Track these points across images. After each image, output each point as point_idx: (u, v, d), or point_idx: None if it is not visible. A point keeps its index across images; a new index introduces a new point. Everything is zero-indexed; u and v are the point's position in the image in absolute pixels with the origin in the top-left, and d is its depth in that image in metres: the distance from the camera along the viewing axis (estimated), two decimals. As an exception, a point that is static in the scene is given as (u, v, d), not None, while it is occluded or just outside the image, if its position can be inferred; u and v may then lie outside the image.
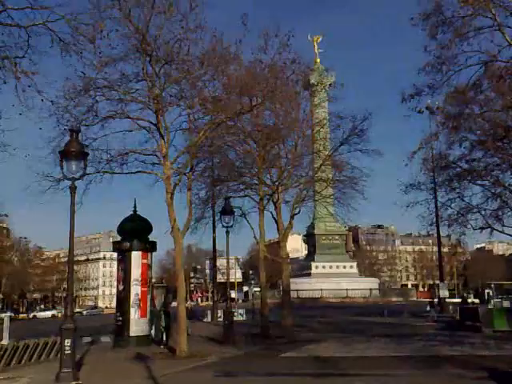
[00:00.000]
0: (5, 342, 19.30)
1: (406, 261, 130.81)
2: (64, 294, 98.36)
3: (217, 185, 23.94)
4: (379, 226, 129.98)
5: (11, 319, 25.22)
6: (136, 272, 19.43)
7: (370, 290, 66.93)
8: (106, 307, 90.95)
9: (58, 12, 10.45)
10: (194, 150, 16.93)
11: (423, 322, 28.21)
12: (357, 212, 27.28)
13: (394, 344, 17.81)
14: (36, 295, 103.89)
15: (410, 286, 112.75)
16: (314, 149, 26.59)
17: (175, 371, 12.76)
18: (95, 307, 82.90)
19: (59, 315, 64.56)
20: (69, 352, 11.45)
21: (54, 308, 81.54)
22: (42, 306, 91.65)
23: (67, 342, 11.44)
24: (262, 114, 21.47)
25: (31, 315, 68.63)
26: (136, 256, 19.56)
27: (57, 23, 10.59)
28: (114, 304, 73.27)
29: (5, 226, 69.17)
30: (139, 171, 16.97)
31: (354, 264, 74.76)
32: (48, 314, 68.39)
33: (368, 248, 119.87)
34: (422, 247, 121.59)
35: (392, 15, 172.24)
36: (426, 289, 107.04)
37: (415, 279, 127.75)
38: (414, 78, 19.39)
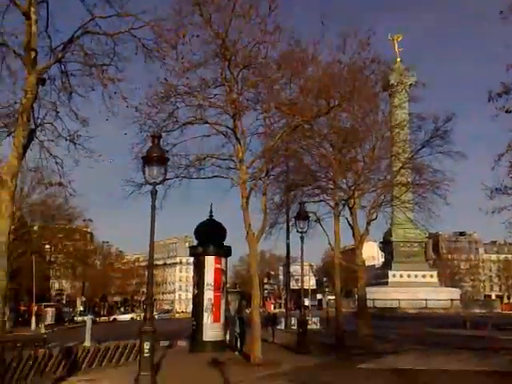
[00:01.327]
0: (87, 343, 20.07)
1: (490, 270, 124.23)
2: (143, 298, 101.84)
3: (291, 190, 23.63)
4: (461, 234, 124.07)
5: (93, 322, 26.18)
6: (209, 277, 19.58)
7: (451, 300, 63.93)
8: (182, 312, 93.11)
9: (143, 19, 10.67)
10: (270, 154, 16.82)
11: (509, 335, 26.38)
12: (438, 218, 25.95)
13: (477, 358, 16.68)
14: (116, 298, 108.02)
15: (493, 297, 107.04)
16: (393, 152, 25.68)
17: (250, 378, 12.65)
18: (167, 311, 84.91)
19: (138, 318, 66.74)
20: (148, 355, 11.53)
21: (132, 311, 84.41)
22: (122, 309, 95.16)
23: (146, 345, 11.54)
24: (339, 117, 20.99)
25: (111, 318, 71.39)
26: (209, 261, 19.72)
27: (141, 30, 10.81)
28: (189, 308, 74.90)
29: (89, 230, 72.47)
30: (216, 176, 17.18)
31: (434, 273, 71.73)
32: (127, 317, 70.89)
33: (449, 256, 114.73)
34: (508, 256, 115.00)
35: (470, 12, 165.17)
36: (511, 300, 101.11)
37: (500, 290, 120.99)
38: (502, 76, 18.21)
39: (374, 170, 24.18)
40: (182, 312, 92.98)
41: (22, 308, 59.89)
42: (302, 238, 19.29)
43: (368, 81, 20.13)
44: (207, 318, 19.20)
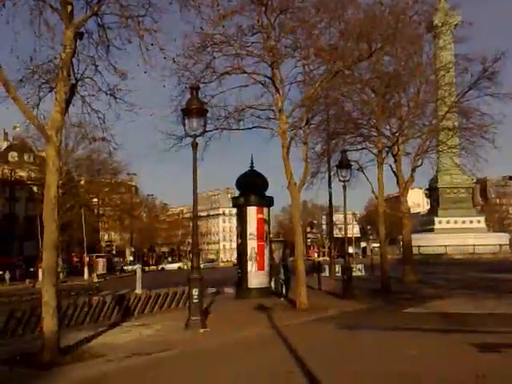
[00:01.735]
0: (138, 291, 20.90)
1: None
2: (188, 248, 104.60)
3: (333, 138, 23.30)
4: (511, 178, 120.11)
5: (142, 271, 27.16)
6: (252, 226, 19.91)
7: (500, 245, 62.76)
8: (227, 261, 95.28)
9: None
10: (310, 102, 16.49)
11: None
12: (486, 163, 25.16)
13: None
14: (163, 249, 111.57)
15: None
16: (438, 95, 24.73)
17: (296, 322, 12.87)
18: (212, 261, 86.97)
19: (184, 267, 68.91)
20: (197, 301, 11.98)
21: (179, 261, 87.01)
22: (170, 259, 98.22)
23: (195, 292, 11.96)
24: (381, 61, 20.28)
25: (160, 267, 73.89)
26: (251, 211, 20.01)
27: (176, -23, 10.49)
28: (234, 258, 76.42)
29: (133, 184, 74.21)
30: (255, 126, 17.08)
31: (482, 218, 70.18)
32: (174, 266, 73.28)
33: (498, 201, 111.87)
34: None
35: None
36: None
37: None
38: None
39: (419, 114, 23.44)
40: (227, 261, 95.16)
41: (75, 259, 62.71)
42: (344, 187, 19.14)
43: (411, 22, 19.28)
44: (251, 266, 19.68)
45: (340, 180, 19.23)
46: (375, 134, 22.52)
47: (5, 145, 70.19)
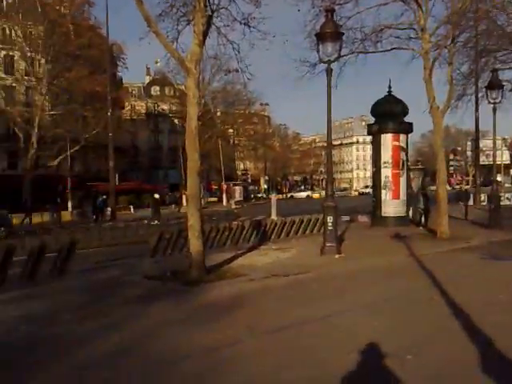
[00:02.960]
0: (274, 217, 21.56)
1: None
2: (321, 177, 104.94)
3: (482, 56, 21.06)
4: None
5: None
6: (386, 154, 19.28)
7: None
8: (355, 190, 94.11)
9: None
10: (457, 18, 14.98)
11: None
12: None
13: None
14: (296, 177, 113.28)
15: None
16: None
17: (436, 251, 12.41)
18: (344, 189, 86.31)
19: (313, 196, 69.76)
20: (331, 228, 12.01)
21: (312, 189, 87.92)
22: (302, 187, 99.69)
23: (329, 219, 11.97)
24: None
25: (289, 195, 75.28)
26: (386, 138, 19.31)
27: None
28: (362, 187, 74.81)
29: (266, 114, 75.16)
30: (394, 48, 16.05)
31: None
32: (303, 194, 74.15)
33: None
34: None
35: None
36: None
37: None
38: None
39: None
40: (355, 190, 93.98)
41: (214, 187, 66.30)
42: (494, 110, 17.49)
43: None
44: (385, 195, 19.24)
45: (489, 102, 17.58)
46: (533, 49, 19.96)
47: (147, 79, 74.56)
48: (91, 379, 4.56)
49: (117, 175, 40.57)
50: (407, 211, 19.54)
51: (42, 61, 40.18)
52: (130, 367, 4.82)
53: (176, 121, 63.94)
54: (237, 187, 55.71)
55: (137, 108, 69.93)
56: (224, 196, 52.44)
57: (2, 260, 8.69)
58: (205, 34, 9.74)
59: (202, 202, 12.33)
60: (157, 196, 32.41)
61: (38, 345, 5.70)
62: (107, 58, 35.54)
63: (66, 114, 40.19)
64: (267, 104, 68.21)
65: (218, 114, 58.71)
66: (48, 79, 39.39)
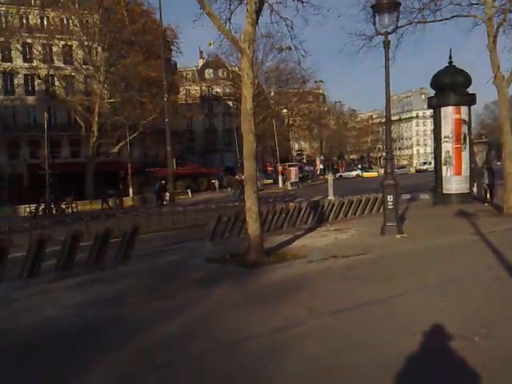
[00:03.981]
0: (331, 197, 21.32)
1: None
2: (378, 155, 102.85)
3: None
4: None
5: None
6: (446, 128, 18.61)
7: None
8: (420, 165, 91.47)
9: None
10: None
11: None
12: None
13: None
14: (353, 156, 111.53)
15: None
16: None
17: (503, 228, 11.93)
18: (402, 167, 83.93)
19: (363, 175, 68.30)
20: (391, 207, 11.75)
21: (369, 168, 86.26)
22: (360, 166, 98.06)
23: (390, 198, 11.71)
24: None
25: (337, 175, 73.75)
26: (447, 111, 18.66)
27: None
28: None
29: (321, 92, 74.04)
30: (455, 16, 15.38)
31: None
32: (353, 173, 72.35)
33: None
34: None
35: None
36: None
37: None
38: None
39: None
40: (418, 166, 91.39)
41: (269, 168, 66.28)
42: None
43: None
44: (446, 171, 18.62)
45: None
46: None
47: (201, 63, 75.04)
48: (157, 361, 4.67)
49: (174, 160, 41.32)
50: (471, 187, 18.82)
51: (99, 49, 41.26)
52: (195, 349, 4.89)
53: (230, 103, 64.20)
54: (292, 168, 55.43)
55: (191, 92, 70.69)
56: (280, 177, 52.35)
57: (69, 245, 9.05)
58: (258, 13, 9.63)
59: (258, 184, 12.39)
60: (238, 177, 33.20)
61: (105, 327, 5.90)
62: (161, 43, 36.02)
63: (124, 100, 41.21)
64: (322, 81, 67.11)
65: (272, 94, 58.38)
66: (105, 67, 40.42)
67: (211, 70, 69.59)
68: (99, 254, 9.66)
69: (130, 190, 40.25)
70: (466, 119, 18.78)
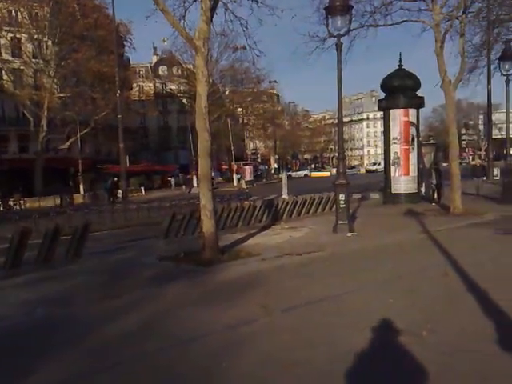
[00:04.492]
0: (285, 196, 21.53)
1: None
2: (331, 155, 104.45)
3: (494, 27, 20.70)
4: None
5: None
6: (395, 130, 19.06)
7: None
8: (369, 166, 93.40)
9: None
10: (468, -13, 14.66)
11: None
12: None
13: None
14: (307, 156, 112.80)
15: None
16: None
17: (449, 227, 12.35)
18: (353, 167, 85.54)
19: (311, 174, 69.58)
20: (343, 206, 11.97)
21: (322, 168, 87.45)
22: (313, 166, 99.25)
23: (341, 197, 11.93)
24: None
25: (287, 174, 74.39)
26: (395, 114, 19.06)
27: None
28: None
29: (275, 92, 74.49)
30: (405, 20, 15.86)
31: None
32: (301, 173, 73.44)
33: None
34: None
35: None
36: None
37: None
38: None
39: None
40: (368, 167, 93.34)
41: (224, 167, 66.23)
42: (507, 82, 17.27)
43: None
44: (395, 172, 19.07)
45: (502, 74, 17.36)
46: (547, 18, 19.53)
47: (155, 59, 74.11)
48: (109, 360, 4.61)
49: (127, 157, 40.65)
50: (419, 187, 19.38)
51: (49, 42, 40.06)
52: (148, 347, 4.87)
53: (185, 101, 63.67)
54: (247, 167, 55.56)
55: (145, 89, 69.69)
56: (234, 176, 52.42)
57: (16, 243, 8.78)
58: (212, 10, 9.61)
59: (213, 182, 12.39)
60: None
61: (55, 326, 5.78)
62: (114, 38, 35.32)
63: (75, 96, 40.19)
64: (276, 82, 67.54)
65: (227, 92, 58.27)
66: (56, 61, 39.31)
67: (165, 67, 68.85)
68: (49, 251, 9.42)
69: (81, 187, 39.35)
70: (415, 121, 19.25)
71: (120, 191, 33.55)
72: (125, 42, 47.07)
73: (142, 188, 45.11)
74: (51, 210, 23.76)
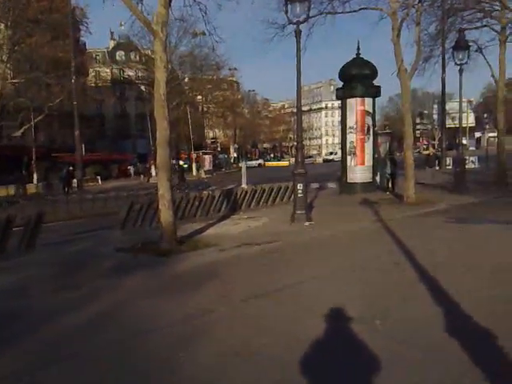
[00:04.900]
0: (244, 186, 21.54)
1: None
2: (290, 144, 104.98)
3: (449, 16, 21.04)
4: None
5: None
6: (351, 119, 19.17)
7: None
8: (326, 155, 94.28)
9: None
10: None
11: None
12: None
13: None
14: (266, 145, 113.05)
15: None
16: None
17: (403, 216, 12.67)
18: (310, 157, 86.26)
19: (265, 164, 69.91)
20: (301, 195, 12.11)
21: (282, 157, 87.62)
22: (272, 155, 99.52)
23: (299, 186, 12.05)
24: None
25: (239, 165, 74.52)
26: (351, 103, 19.13)
27: None
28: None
29: (235, 79, 74.17)
30: (362, 8, 16.00)
31: None
32: (254, 163, 73.46)
33: None
34: None
35: None
36: None
37: None
38: None
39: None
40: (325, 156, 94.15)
41: (183, 156, 65.65)
42: (460, 71, 17.62)
43: None
44: (351, 161, 19.27)
45: (456, 64, 17.69)
46: (499, 7, 19.94)
47: (112, 44, 72.39)
48: (65, 350, 4.56)
49: (83, 145, 39.73)
50: (374, 177, 19.69)
51: (2, 26, 38.51)
52: (104, 339, 4.82)
53: (143, 88, 62.60)
54: (206, 156, 55.26)
55: (102, 75, 68.14)
56: (193, 165, 52.04)
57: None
58: (170, -5, 9.47)
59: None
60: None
61: (8, 319, 5.64)
62: (69, 22, 34.30)
63: (29, 82, 38.87)
64: (236, 69, 67.17)
65: (186, 79, 57.62)
66: (9, 46, 37.85)
67: (123, 53, 67.46)
68: (1, 243, 9.16)
69: (35, 176, 38.27)
70: (371, 111, 19.38)
71: (75, 180, 32.81)
72: (81, 26, 45.71)
73: (99, 177, 44.23)
74: (3, 199, 23.07)
